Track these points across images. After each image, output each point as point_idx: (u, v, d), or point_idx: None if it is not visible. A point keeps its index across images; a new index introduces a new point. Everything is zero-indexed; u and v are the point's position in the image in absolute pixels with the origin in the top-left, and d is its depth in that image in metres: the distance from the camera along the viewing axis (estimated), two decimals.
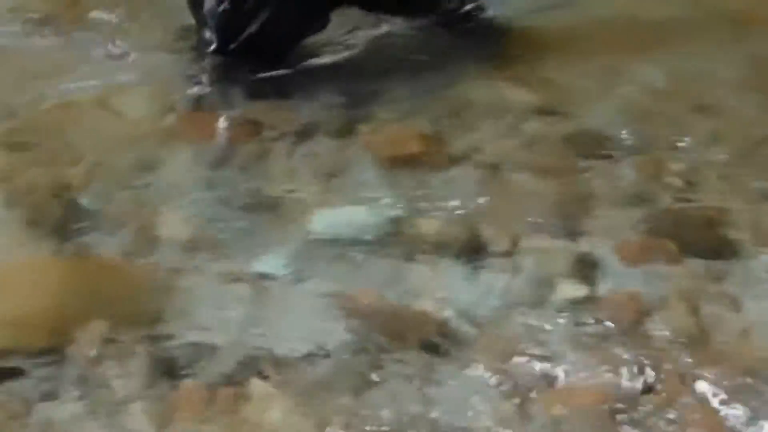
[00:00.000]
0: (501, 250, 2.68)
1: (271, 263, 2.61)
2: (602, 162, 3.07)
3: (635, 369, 2.34)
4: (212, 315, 2.46)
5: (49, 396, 2.25)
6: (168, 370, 2.31)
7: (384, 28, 3.69)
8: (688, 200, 2.93)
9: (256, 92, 3.33)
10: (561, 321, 2.47)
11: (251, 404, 2.24)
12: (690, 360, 2.36)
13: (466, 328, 2.44)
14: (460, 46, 3.66)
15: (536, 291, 2.55)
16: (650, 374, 2.32)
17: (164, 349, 2.35)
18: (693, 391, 2.29)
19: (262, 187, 2.89)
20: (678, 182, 2.99)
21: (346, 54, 3.56)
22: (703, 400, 2.27)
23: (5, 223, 2.68)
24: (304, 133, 3.13)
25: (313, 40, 3.52)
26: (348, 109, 3.25)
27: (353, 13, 3.63)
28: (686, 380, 2.31)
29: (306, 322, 2.45)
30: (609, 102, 3.38)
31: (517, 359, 2.37)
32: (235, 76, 3.40)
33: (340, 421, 2.19)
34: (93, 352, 2.33)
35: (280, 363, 2.33)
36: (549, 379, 2.32)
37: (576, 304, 2.52)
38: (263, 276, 2.57)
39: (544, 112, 3.29)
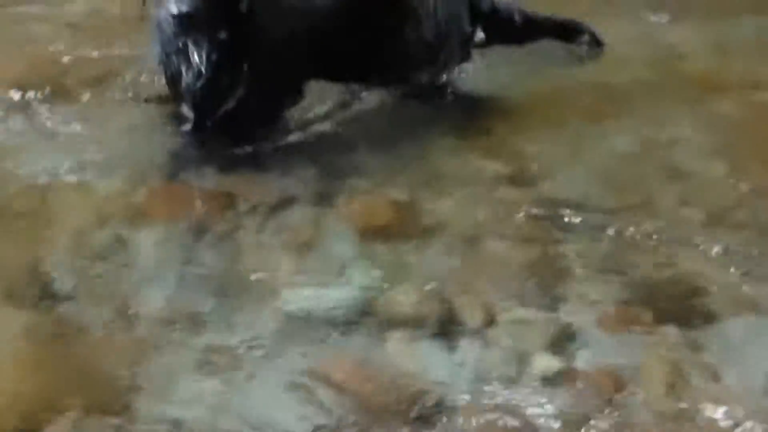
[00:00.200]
0: (477, 324, 2.68)
1: (244, 340, 2.59)
2: (575, 230, 3.09)
3: None
4: (185, 394, 2.43)
5: None
6: None
7: (357, 100, 3.72)
8: (662, 267, 2.94)
9: (231, 165, 3.33)
10: (538, 395, 2.45)
11: None
12: None
13: (443, 404, 2.42)
14: (432, 117, 3.69)
15: (513, 365, 2.54)
16: None
17: None
18: None
19: (235, 262, 2.88)
20: (651, 248, 3.01)
21: (320, 126, 3.58)
22: None
23: None
24: (278, 206, 3.13)
25: (287, 112, 3.54)
26: (322, 180, 3.26)
27: (327, 85, 3.66)
28: None
29: (280, 401, 2.42)
30: (579, 169, 3.42)
31: None
32: (210, 149, 3.42)
33: None
34: None
35: None
36: None
37: (553, 377, 2.51)
38: (237, 353, 2.55)
39: (516, 181, 3.32)
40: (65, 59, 3.89)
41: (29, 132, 3.44)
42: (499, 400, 2.44)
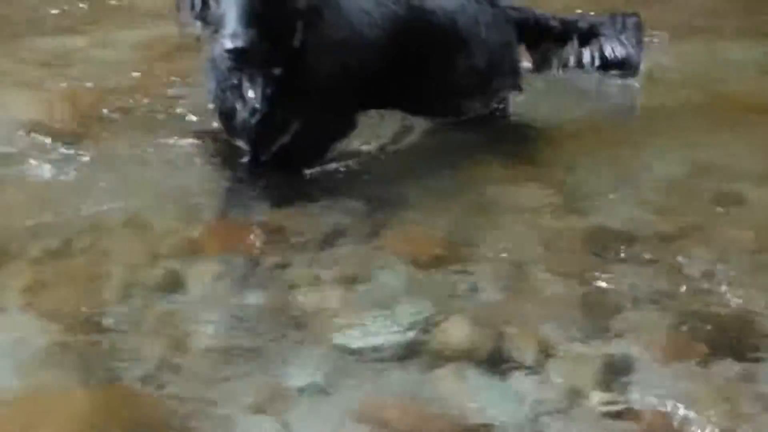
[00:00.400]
0: (528, 357, 2.68)
1: (298, 376, 2.61)
2: (625, 259, 3.09)
3: None
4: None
5: None
6: None
7: (405, 129, 3.76)
8: (714, 296, 2.92)
9: (281, 199, 3.37)
10: (593, 430, 2.45)
11: None
12: None
13: None
14: (478, 146, 3.71)
15: (567, 400, 2.54)
16: None
17: None
18: None
19: (287, 297, 2.90)
20: (702, 278, 2.99)
21: (369, 156, 3.61)
22: None
23: (34, 346, 2.68)
24: (328, 240, 3.16)
25: (338, 143, 3.58)
26: (371, 213, 3.29)
27: (374, 116, 3.70)
28: None
29: None
30: (627, 196, 3.42)
31: None
32: (260, 183, 3.46)
33: None
34: None
35: None
36: None
37: (607, 412, 2.50)
38: (291, 391, 2.56)
39: (564, 210, 3.33)
40: (117, 95, 3.97)
41: (83, 169, 3.49)
42: None
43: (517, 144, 3.77)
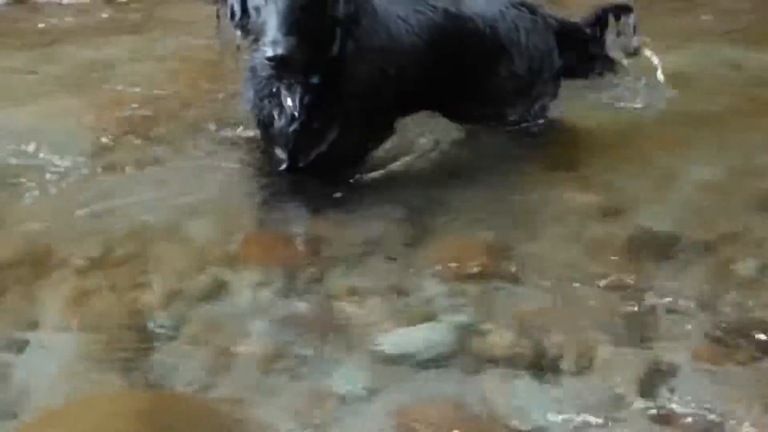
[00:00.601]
0: (571, 363, 2.67)
1: (342, 382, 2.62)
2: (668, 264, 3.07)
3: None
4: None
5: None
6: None
7: (444, 136, 3.76)
8: (758, 301, 2.89)
9: (319, 208, 3.39)
10: None
11: None
12: None
13: None
14: (520, 152, 3.72)
15: (610, 405, 2.53)
16: None
17: None
18: None
19: (329, 306, 2.91)
20: (746, 283, 2.98)
21: (407, 163, 3.62)
22: None
23: (79, 352, 2.72)
24: (367, 249, 3.16)
25: (376, 150, 3.60)
26: (410, 221, 3.29)
27: (414, 122, 3.71)
28: None
29: None
30: (670, 201, 3.40)
31: None
32: (299, 192, 3.48)
33: None
34: None
35: None
36: None
37: (650, 417, 2.49)
38: (334, 398, 2.57)
39: (607, 215, 3.32)
40: (157, 105, 4.02)
41: (123, 177, 3.55)
42: None
43: (557, 150, 3.76)
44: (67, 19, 5.21)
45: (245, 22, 3.32)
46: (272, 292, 2.96)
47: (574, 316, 2.85)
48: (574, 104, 3.96)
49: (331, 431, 2.48)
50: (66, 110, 4.03)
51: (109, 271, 3.05)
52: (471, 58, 3.68)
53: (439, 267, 3.05)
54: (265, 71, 3.29)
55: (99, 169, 3.58)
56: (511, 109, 3.81)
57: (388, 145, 3.61)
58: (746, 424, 2.46)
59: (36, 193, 3.43)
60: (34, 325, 2.82)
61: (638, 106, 4.02)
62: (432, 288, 2.97)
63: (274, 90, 3.40)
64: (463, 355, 2.71)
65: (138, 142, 3.77)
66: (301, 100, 3.37)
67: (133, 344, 2.75)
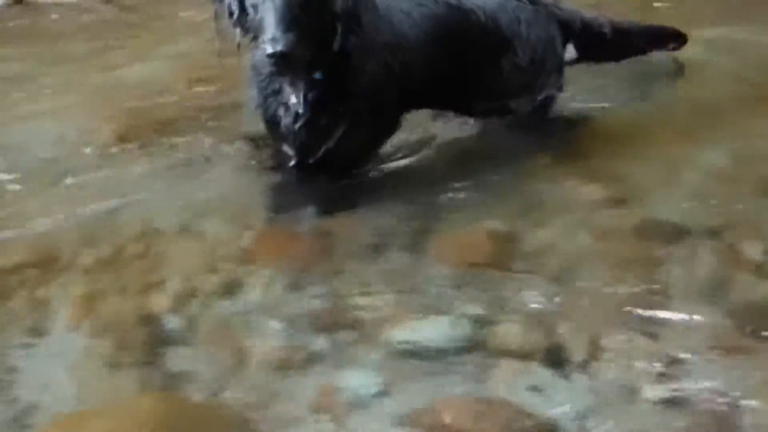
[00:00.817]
0: (583, 354, 2.68)
1: (356, 379, 2.63)
2: (675, 252, 3.08)
3: None
4: None
5: None
6: None
7: (451, 129, 3.78)
8: (767, 287, 2.90)
9: (329, 204, 3.40)
10: (651, 425, 2.45)
11: None
12: None
13: None
14: (526, 144, 3.72)
15: (623, 395, 2.54)
16: None
17: None
18: None
19: (341, 302, 2.92)
20: (755, 270, 2.98)
21: (415, 156, 3.63)
22: None
23: (90, 355, 2.73)
24: (377, 244, 3.17)
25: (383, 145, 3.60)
26: (419, 215, 3.29)
27: (419, 116, 3.71)
28: None
29: None
30: (677, 189, 3.41)
31: None
32: (308, 188, 3.49)
33: None
34: None
35: None
36: None
37: (664, 406, 2.50)
38: (348, 393, 2.59)
39: (615, 204, 3.32)
40: (165, 105, 4.03)
41: (132, 176, 3.55)
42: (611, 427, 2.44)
43: (563, 141, 3.77)
44: (67, 19, 5.20)
45: (243, 20, 3.31)
46: (284, 289, 2.97)
47: (583, 305, 2.86)
48: (579, 95, 3.97)
49: (345, 426, 2.49)
50: (67, 110, 4.04)
51: (119, 271, 3.06)
52: (474, 50, 3.67)
53: (449, 260, 3.06)
54: (268, 69, 3.30)
55: (103, 169, 3.58)
56: (515, 101, 3.81)
57: (394, 140, 3.61)
58: (759, 410, 2.47)
59: (41, 193, 3.43)
60: (42, 329, 2.82)
61: (645, 95, 4.03)
62: (443, 281, 2.97)
63: (277, 87, 3.40)
64: (474, 348, 2.72)
65: (144, 141, 3.77)
66: (305, 96, 3.36)
67: (145, 346, 2.75)
